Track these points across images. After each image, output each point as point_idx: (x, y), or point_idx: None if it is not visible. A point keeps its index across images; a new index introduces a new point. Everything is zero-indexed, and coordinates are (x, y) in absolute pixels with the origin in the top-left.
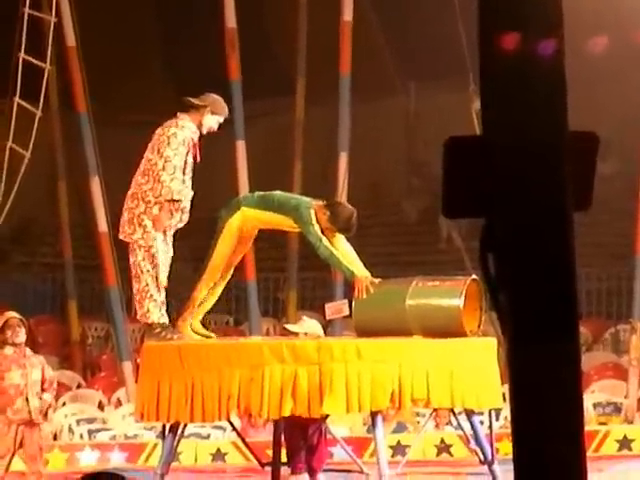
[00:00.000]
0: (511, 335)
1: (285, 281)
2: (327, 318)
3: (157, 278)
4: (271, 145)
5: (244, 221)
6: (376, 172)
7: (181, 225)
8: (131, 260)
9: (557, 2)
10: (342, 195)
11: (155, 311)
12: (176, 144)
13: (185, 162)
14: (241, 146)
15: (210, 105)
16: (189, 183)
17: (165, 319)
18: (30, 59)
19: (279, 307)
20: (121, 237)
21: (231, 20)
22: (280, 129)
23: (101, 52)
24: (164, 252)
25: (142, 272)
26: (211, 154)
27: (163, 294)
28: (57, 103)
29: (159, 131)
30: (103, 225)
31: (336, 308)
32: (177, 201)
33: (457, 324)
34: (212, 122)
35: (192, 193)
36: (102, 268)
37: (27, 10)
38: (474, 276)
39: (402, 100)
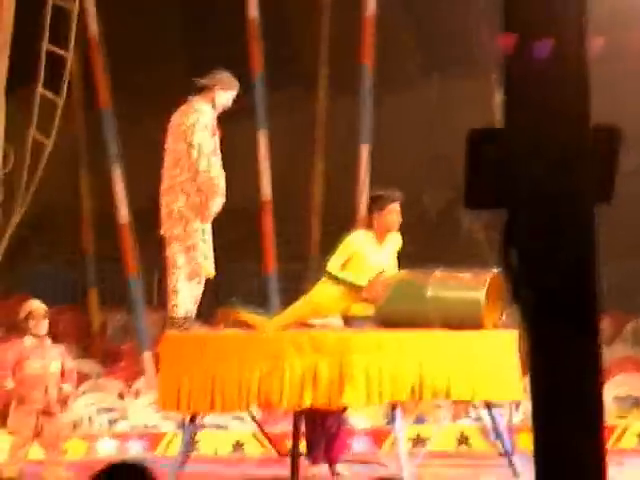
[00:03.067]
0: (532, 328)
1: (306, 272)
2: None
3: (193, 272)
4: (293, 136)
5: None
6: (398, 165)
7: (219, 209)
8: (167, 253)
9: (581, 2)
10: (364, 188)
11: (182, 305)
12: (202, 130)
13: (214, 143)
14: (263, 136)
15: (219, 83)
16: (220, 164)
17: (192, 312)
18: (53, 48)
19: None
20: (162, 233)
21: (253, 10)
22: (302, 120)
23: (124, 42)
24: (204, 241)
25: (176, 266)
26: (233, 144)
27: (200, 288)
28: (79, 92)
29: (177, 120)
30: (125, 215)
31: None
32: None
33: (478, 317)
34: (224, 99)
35: (224, 173)
36: (123, 258)
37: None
38: (496, 270)
39: (424, 92)
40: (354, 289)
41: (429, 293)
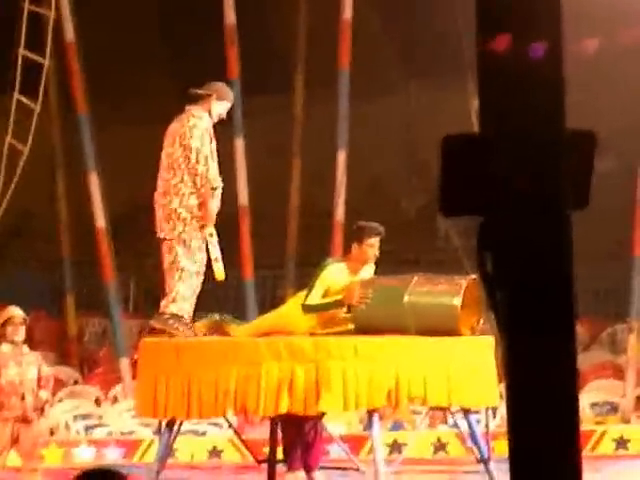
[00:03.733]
0: (508, 334)
1: (283, 278)
2: None
3: (196, 274)
4: (270, 142)
5: None
6: (375, 170)
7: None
8: (167, 257)
9: (556, 2)
10: (340, 192)
11: (180, 304)
12: (200, 133)
13: (210, 149)
14: (240, 143)
15: (215, 93)
16: (217, 169)
17: (185, 313)
18: (29, 55)
19: (277, 305)
20: (161, 235)
21: (230, 17)
22: (279, 126)
23: (101, 48)
24: (213, 245)
25: (179, 269)
26: None
27: (197, 291)
28: (56, 99)
29: (175, 125)
30: (101, 220)
31: None
32: (215, 188)
33: (454, 323)
34: (220, 109)
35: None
36: (100, 264)
37: (27, 5)
38: (474, 275)
39: (402, 98)
40: (336, 305)
41: (406, 298)
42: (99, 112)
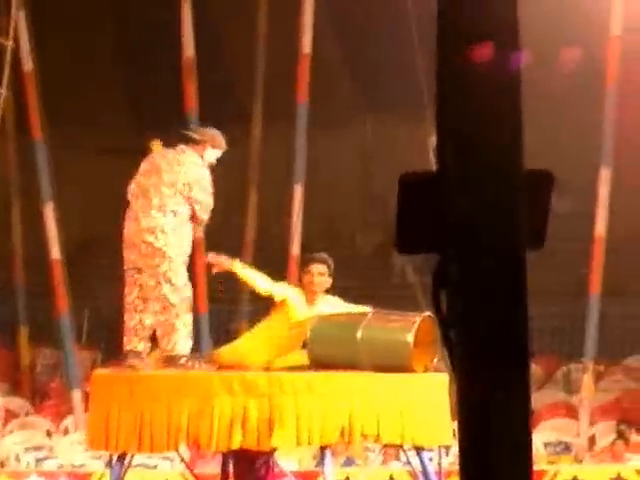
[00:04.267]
0: (461, 372)
1: (236, 312)
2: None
3: (187, 308)
4: (226, 174)
5: None
6: (331, 204)
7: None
8: (152, 292)
9: (514, 31)
10: (297, 226)
11: (183, 343)
12: (204, 187)
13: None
14: None
15: (209, 140)
16: None
17: (189, 349)
18: None
19: (231, 338)
20: (141, 266)
21: (189, 49)
22: (236, 159)
23: (58, 77)
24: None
25: (172, 305)
26: None
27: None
28: (12, 128)
29: (168, 163)
30: (56, 252)
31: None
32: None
33: (407, 360)
34: (212, 156)
35: None
36: (54, 295)
37: None
38: (428, 313)
39: (358, 132)
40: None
41: (359, 334)
42: (54, 141)
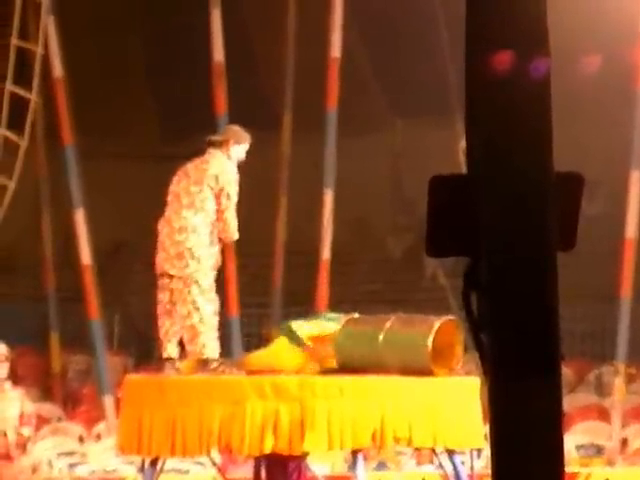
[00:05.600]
0: (493, 375)
1: (269, 317)
2: None
3: (214, 312)
4: (256, 180)
5: None
6: (361, 209)
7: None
8: (180, 296)
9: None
10: (327, 231)
11: (211, 346)
12: (233, 180)
13: None
14: None
15: (233, 137)
16: None
17: (217, 352)
18: (16, 90)
19: (263, 343)
20: (172, 272)
21: (219, 54)
22: (265, 164)
23: (87, 83)
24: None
25: (198, 308)
26: None
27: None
28: (43, 134)
29: (198, 166)
30: (87, 257)
31: None
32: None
33: (426, 363)
34: (240, 152)
35: None
36: (85, 301)
37: (14, 41)
38: (450, 317)
39: (389, 137)
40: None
41: (381, 338)
42: (84, 147)
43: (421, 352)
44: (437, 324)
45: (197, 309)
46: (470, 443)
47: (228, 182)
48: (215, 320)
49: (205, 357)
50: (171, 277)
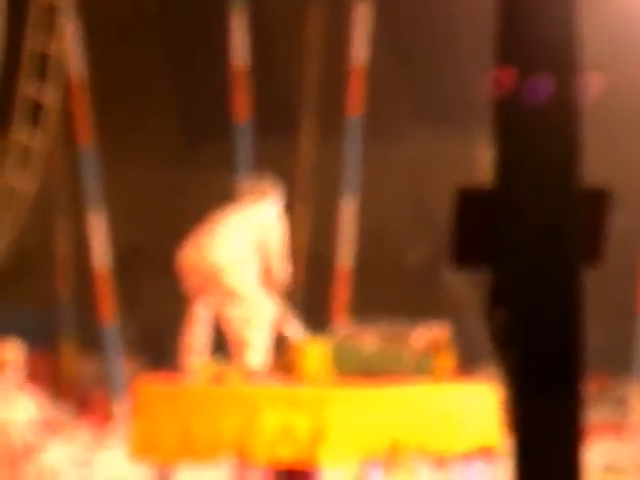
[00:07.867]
0: (514, 388)
1: None
2: None
3: (262, 322)
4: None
5: None
6: (381, 219)
7: None
8: (232, 309)
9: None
10: (346, 241)
11: (256, 357)
12: (279, 235)
13: None
14: None
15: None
16: None
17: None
18: (34, 91)
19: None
20: (226, 280)
21: (240, 57)
22: (285, 170)
23: (107, 85)
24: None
25: (241, 318)
26: (214, 193)
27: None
28: (60, 136)
29: (255, 203)
30: (102, 261)
31: None
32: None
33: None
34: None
35: None
36: (99, 305)
37: (32, 42)
38: (438, 325)
39: (409, 146)
40: None
41: (373, 348)
42: (101, 149)
43: (406, 358)
44: (421, 333)
45: (241, 319)
46: (485, 452)
47: (274, 238)
48: (262, 332)
49: (249, 368)
50: (203, 286)
